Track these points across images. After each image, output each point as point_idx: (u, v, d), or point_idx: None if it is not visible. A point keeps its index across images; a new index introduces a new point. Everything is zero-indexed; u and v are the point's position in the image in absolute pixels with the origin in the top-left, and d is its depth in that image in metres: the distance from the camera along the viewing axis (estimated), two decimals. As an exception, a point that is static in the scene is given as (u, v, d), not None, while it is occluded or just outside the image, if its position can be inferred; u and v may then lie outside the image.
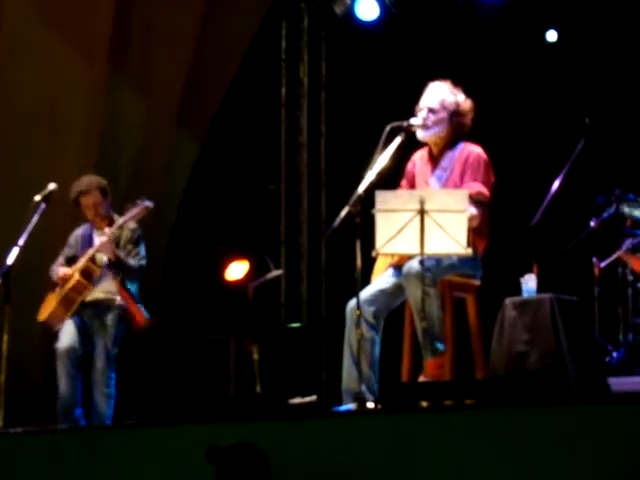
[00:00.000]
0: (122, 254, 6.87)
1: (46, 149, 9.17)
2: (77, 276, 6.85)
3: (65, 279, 6.89)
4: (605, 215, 7.92)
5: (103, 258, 6.87)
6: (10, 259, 6.63)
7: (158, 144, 9.71)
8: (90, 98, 9.29)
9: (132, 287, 6.94)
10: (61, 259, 7.11)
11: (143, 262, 6.98)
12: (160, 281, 9.82)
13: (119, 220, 6.87)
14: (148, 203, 6.83)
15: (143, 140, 9.61)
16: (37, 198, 6.88)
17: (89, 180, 7.05)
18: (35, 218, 6.79)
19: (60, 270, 6.96)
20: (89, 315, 6.92)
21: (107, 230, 6.84)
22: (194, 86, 9.77)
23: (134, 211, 6.83)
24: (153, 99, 9.63)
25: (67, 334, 6.85)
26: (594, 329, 7.59)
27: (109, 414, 6.81)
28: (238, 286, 9.21)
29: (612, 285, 8.01)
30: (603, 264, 8.00)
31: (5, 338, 6.50)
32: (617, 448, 4.37)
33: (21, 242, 6.70)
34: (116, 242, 6.90)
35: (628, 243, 7.95)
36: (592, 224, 7.96)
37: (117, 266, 6.84)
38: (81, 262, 6.89)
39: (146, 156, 9.69)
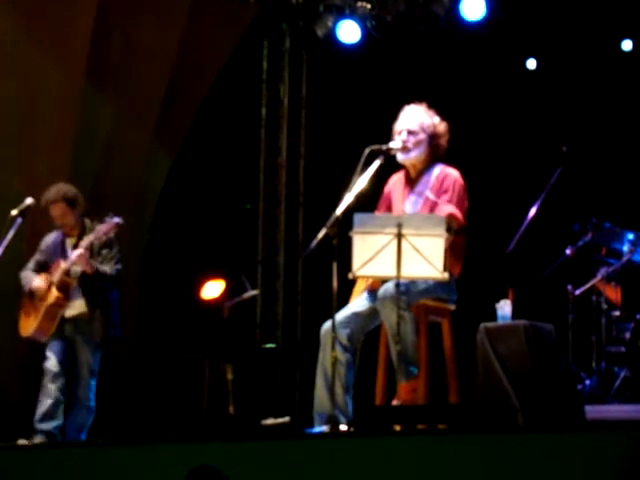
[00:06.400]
0: (98, 263, 6.85)
1: (19, 161, 9.12)
2: (55, 292, 6.84)
3: (39, 292, 6.87)
4: (581, 243, 7.96)
5: (77, 270, 6.86)
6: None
7: (133, 160, 9.69)
8: (65, 110, 9.25)
9: (114, 295, 6.94)
10: (31, 265, 7.09)
11: (119, 266, 6.97)
12: (136, 299, 9.78)
13: (87, 238, 6.84)
14: (117, 220, 6.82)
15: (117, 156, 9.59)
16: (14, 212, 6.86)
17: (56, 190, 7.01)
18: (11, 232, 6.77)
19: (34, 283, 6.93)
20: (70, 331, 6.91)
21: (81, 244, 6.82)
22: (172, 102, 9.76)
23: (103, 228, 6.81)
24: (130, 114, 9.60)
25: (55, 354, 6.86)
26: (568, 356, 7.62)
27: (89, 424, 6.82)
28: (214, 305, 9.18)
29: (586, 313, 8.03)
30: (578, 292, 8.02)
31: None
32: (591, 476, 4.37)
33: (-3, 256, 6.69)
34: (90, 249, 6.87)
35: (603, 271, 7.98)
36: (568, 252, 7.99)
37: (96, 277, 6.83)
38: (56, 276, 6.86)
39: (120, 172, 9.67)
